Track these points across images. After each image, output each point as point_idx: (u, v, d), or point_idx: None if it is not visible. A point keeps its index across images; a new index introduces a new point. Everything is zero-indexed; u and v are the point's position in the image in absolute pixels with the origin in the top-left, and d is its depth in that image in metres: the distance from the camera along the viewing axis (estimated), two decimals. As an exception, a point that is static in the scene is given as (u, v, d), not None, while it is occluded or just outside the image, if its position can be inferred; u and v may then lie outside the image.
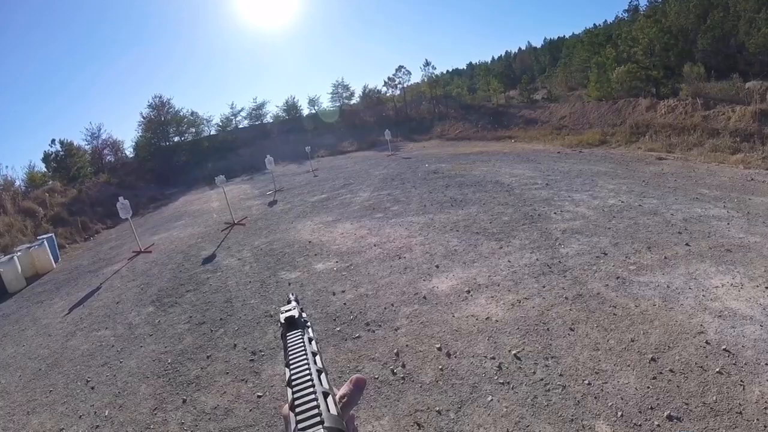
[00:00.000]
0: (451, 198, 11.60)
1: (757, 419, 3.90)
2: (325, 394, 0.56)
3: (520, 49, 69.03)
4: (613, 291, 5.90)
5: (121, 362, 6.22)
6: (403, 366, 5.09)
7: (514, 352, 5.01)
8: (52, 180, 25.80)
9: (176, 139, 38.14)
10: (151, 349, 6.39)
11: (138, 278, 9.71)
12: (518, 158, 17.44)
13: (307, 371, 0.61)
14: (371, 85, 44.36)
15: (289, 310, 0.79)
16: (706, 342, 4.84)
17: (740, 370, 4.43)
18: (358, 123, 37.81)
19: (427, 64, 41.50)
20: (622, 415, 4.11)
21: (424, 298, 6.35)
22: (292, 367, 0.63)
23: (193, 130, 39.28)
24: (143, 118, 36.96)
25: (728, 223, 7.77)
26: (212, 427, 4.67)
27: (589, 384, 4.49)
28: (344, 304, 6.60)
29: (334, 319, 6.21)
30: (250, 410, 4.79)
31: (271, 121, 42.14)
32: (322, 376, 0.61)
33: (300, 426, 0.51)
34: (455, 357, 5.13)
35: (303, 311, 0.82)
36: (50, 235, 14.91)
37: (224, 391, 5.12)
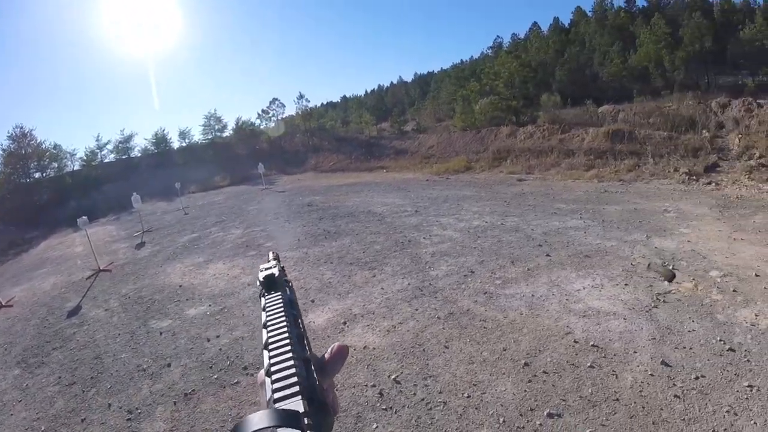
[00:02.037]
0: (325, 230, 11.55)
1: (635, 402, 4.18)
2: (306, 361, 0.52)
3: (391, 83, 71.68)
4: (482, 306, 6.12)
5: None
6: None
7: (393, 376, 4.98)
8: None
9: (37, 174, 34.11)
10: (23, 417, 5.65)
11: (1, 337, 8.52)
12: (390, 187, 17.89)
13: (286, 334, 0.56)
14: (245, 117, 43.26)
15: (269, 268, 0.73)
16: (575, 341, 5.15)
17: (611, 362, 4.75)
18: (231, 156, 36.63)
19: (301, 96, 41.41)
20: (504, 421, 4.21)
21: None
22: (270, 328, 0.58)
23: (56, 165, 35.26)
24: (2, 150, 32.52)
25: (585, 232, 8.43)
26: None
27: (468, 396, 4.57)
28: (220, 349, 6.21)
29: (210, 367, 5.82)
30: None
31: (140, 154, 39.14)
32: (304, 341, 0.57)
33: (276, 395, 0.47)
34: (336, 389, 4.98)
35: (284, 269, 0.76)
36: None
37: None
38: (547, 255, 7.49)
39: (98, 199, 28.06)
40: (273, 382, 0.48)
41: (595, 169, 15.61)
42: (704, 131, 16.48)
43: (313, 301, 7.18)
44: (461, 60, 51.37)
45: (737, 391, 4.13)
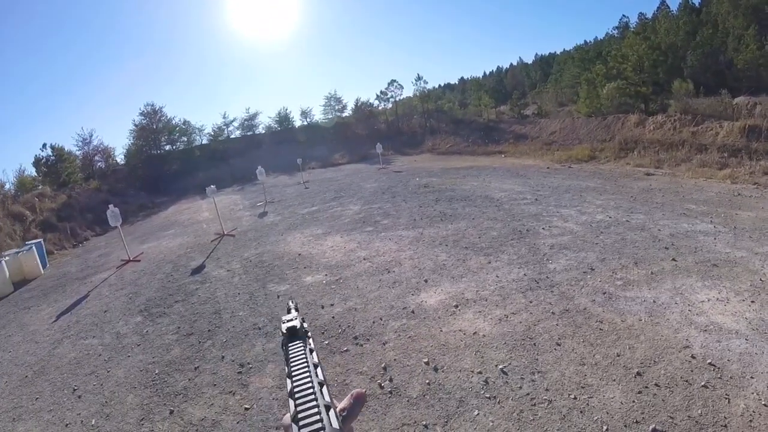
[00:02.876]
0: (441, 212, 11.64)
1: (742, 431, 3.94)
2: (327, 407, 0.58)
3: (511, 64, 69.87)
4: (599, 306, 5.94)
5: (108, 371, 6.16)
6: (391, 380, 5.09)
7: (500, 366, 5.02)
8: (42, 185, 25.49)
9: (168, 147, 37.55)
10: (139, 359, 6.34)
11: (126, 287, 9.65)
12: (508, 173, 17.56)
13: (309, 383, 0.62)
14: (363, 98, 44.42)
15: (291, 320, 0.78)
16: (692, 356, 4.88)
17: (725, 384, 4.47)
18: (350, 136, 37.89)
19: (419, 78, 41.81)
20: (607, 429, 4.13)
21: (413, 312, 6.36)
22: (294, 378, 0.64)
23: (185, 138, 38.75)
24: (135, 125, 36.31)
25: (715, 238, 7.83)
26: None
27: (575, 398, 4.52)
28: (333, 317, 6.58)
29: (323, 333, 6.18)
30: (237, 422, 4.77)
31: (263, 131, 41.92)
32: (324, 388, 0.62)
33: None
34: (442, 371, 5.13)
35: (304, 321, 0.81)
36: (39, 240, 14.74)
37: (212, 402, 5.09)
38: (673, 259, 7.08)
39: (224, 171, 30.28)
40: (300, 428, 0.54)
41: (729, 169, 14.22)
42: None
43: (426, 281, 7.34)
44: (585, 41, 48.70)
45: None
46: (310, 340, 0.75)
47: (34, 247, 13.36)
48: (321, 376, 0.65)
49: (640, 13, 41.23)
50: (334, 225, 11.98)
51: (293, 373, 0.65)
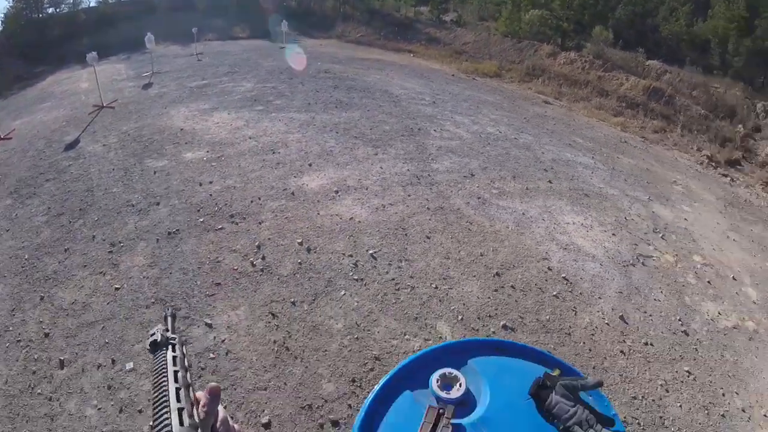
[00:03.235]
0: (337, 100, 11.25)
1: (583, 342, 4.37)
2: (180, 410, 0.63)
3: (442, -35, 67.40)
4: (472, 209, 6.15)
5: None
6: (263, 258, 5.06)
7: (371, 252, 5.13)
8: None
9: (50, 10, 32.97)
10: (8, 246, 5.76)
11: None
12: (413, 73, 17.26)
13: (165, 390, 0.67)
14: None
15: (154, 333, 0.81)
16: (548, 268, 5.25)
17: (575, 298, 4.89)
18: (254, 9, 34.89)
19: (344, -45, 39.10)
20: (462, 319, 4.41)
21: (292, 194, 6.23)
22: (153, 387, 0.69)
23: (71, 0, 34.24)
24: None
25: (592, 173, 8.25)
26: (70, 323, 4.43)
27: (436, 288, 4.74)
28: (210, 195, 6.30)
29: (198, 210, 5.93)
30: (108, 303, 4.59)
31: None
32: (181, 392, 0.67)
33: None
34: (315, 252, 5.15)
35: (173, 324, 0.89)
36: None
37: (82, 285, 4.84)
38: (549, 181, 7.41)
39: (112, 38, 26.94)
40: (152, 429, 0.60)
41: (623, 117, 15.00)
42: (740, 126, 15.79)
43: (310, 165, 7.18)
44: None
45: (676, 371, 4.31)
46: (176, 347, 0.79)
47: None
48: (180, 382, 0.70)
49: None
50: (223, 101, 11.17)
51: (153, 383, 0.70)
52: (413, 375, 1.99)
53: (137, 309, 4.53)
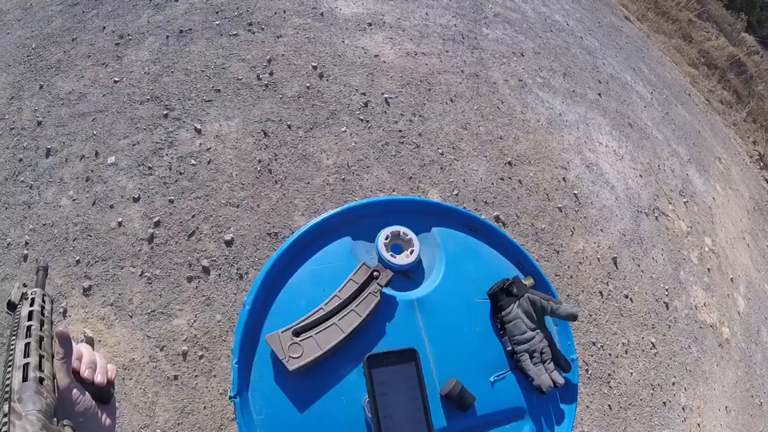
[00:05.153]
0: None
1: (568, 266, 4.13)
2: (26, 365, 0.63)
3: None
4: (509, 89, 5.56)
5: None
6: (271, 74, 4.62)
7: (386, 96, 4.66)
8: None
9: None
10: (18, 35, 5.37)
11: None
12: None
13: (12, 348, 0.66)
14: None
15: (10, 294, 0.79)
16: (563, 179, 4.84)
17: (578, 220, 4.54)
18: None
19: None
20: (457, 195, 4.08)
21: (322, 14, 5.61)
22: (9, 347, 0.68)
23: None
24: None
25: (645, 107, 7.55)
26: (63, 112, 4.21)
27: (441, 154, 4.35)
28: (232, -1, 5.77)
29: (217, 12, 5.38)
30: (104, 95, 4.32)
31: None
32: (31, 346, 0.66)
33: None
34: (327, 80, 4.69)
35: (44, 279, 0.87)
36: None
37: (82, 75, 4.53)
38: (599, 94, 6.76)
39: None
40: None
41: (697, 71, 13.69)
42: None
43: (349, -10, 6.49)
44: None
45: (642, 337, 4.25)
46: (37, 300, 0.76)
47: None
48: (34, 336, 0.68)
49: None
50: None
51: (8, 343, 0.69)
52: (363, 221, 1.64)
53: (131, 104, 4.31)
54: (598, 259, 4.39)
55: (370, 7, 6.12)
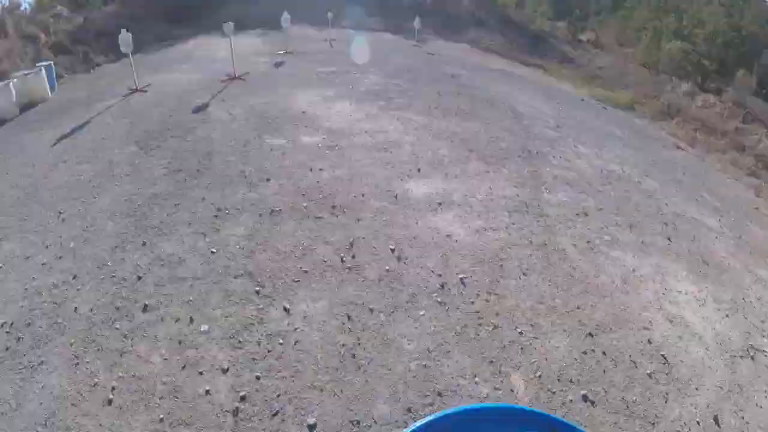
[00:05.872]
0: (458, 107, 10.96)
1: None
2: None
3: (583, -19, 65.26)
4: (579, 253, 5.69)
5: (95, 198, 6.13)
6: (353, 257, 5.03)
7: (461, 276, 4.90)
8: (59, 5, 24.00)
9: None
10: (126, 189, 6.29)
11: (128, 116, 9.29)
12: (540, 91, 16.54)
13: None
14: None
15: None
16: (648, 341, 4.72)
17: (670, 383, 4.34)
18: (390, 2, 35.69)
19: (483, -39, 38.73)
20: (540, 377, 4.07)
21: (396, 197, 6.17)
22: None
23: None
24: None
25: (717, 237, 7.46)
26: (163, 273, 4.71)
27: (520, 333, 4.42)
28: (318, 182, 6.43)
29: (304, 194, 6.09)
30: (201, 264, 4.81)
31: None
32: None
33: None
34: (404, 263, 5.03)
35: None
36: (50, 63, 13.97)
37: (182, 240, 5.13)
38: (669, 238, 6.73)
39: (253, 11, 28.61)
40: None
41: (759, 180, 13.38)
42: None
43: (419, 171, 7.08)
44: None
45: None
46: None
47: (43, 70, 12.71)
48: None
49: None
50: (347, 91, 11.35)
51: None
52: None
53: (226, 276, 4.70)
54: (698, 423, 4.11)
55: (438, 186, 6.64)
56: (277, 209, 5.71)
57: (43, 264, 4.94)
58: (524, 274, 5.07)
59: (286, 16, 16.72)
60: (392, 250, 5.12)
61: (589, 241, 6.01)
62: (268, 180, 6.43)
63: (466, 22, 33.14)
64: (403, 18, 29.70)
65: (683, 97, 19.71)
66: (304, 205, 5.84)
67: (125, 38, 11.46)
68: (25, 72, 12.95)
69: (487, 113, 10.92)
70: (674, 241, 6.76)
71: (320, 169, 6.78)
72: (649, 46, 25.18)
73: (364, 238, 5.29)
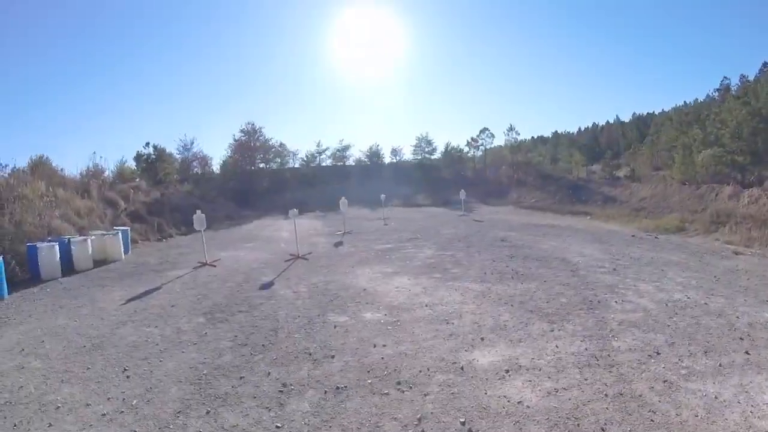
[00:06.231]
0: (513, 270, 11.51)
1: None
2: None
3: (607, 122, 68.95)
4: (657, 395, 5.60)
5: (161, 361, 6.68)
6: (423, 432, 5.12)
7: (538, 442, 4.92)
8: (139, 178, 27.47)
9: (261, 165, 40.64)
10: (192, 357, 6.80)
11: (197, 288, 10.39)
12: (590, 237, 17.12)
13: None
14: (453, 143, 46.23)
15: None
16: (744, 463, 4.53)
17: None
18: (435, 178, 38.65)
19: (511, 128, 42.44)
20: None
21: (462, 368, 6.35)
22: None
23: (279, 160, 42.00)
24: (235, 140, 40.10)
25: None
26: None
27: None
28: (382, 357, 6.72)
29: (368, 371, 6.34)
30: None
31: (353, 164, 45.12)
32: None
33: None
34: None
35: None
36: (126, 228, 16.15)
37: (247, 413, 5.32)
38: (746, 352, 6.64)
39: (310, 196, 31.69)
40: None
41: None
42: None
43: (482, 339, 7.32)
44: (684, 102, 47.23)
45: None
46: None
47: (120, 233, 14.68)
48: None
49: (742, 75, 39.25)
50: (404, 266, 12.20)
51: None
52: None
53: None
54: None
55: (504, 353, 6.83)
56: (342, 386, 5.92)
57: (103, 414, 5.27)
58: (603, 429, 4.98)
59: (344, 201, 18.56)
60: (462, 423, 5.13)
61: (665, 380, 5.95)
62: (332, 357, 6.76)
63: (507, 186, 35.09)
64: (448, 191, 31.84)
65: (728, 201, 19.67)
66: (369, 381, 6.04)
67: (200, 218, 12.98)
68: (103, 232, 14.66)
69: (541, 271, 11.36)
70: (752, 353, 6.64)
71: (383, 345, 7.14)
72: (683, 162, 25.66)
73: (432, 413, 5.33)
